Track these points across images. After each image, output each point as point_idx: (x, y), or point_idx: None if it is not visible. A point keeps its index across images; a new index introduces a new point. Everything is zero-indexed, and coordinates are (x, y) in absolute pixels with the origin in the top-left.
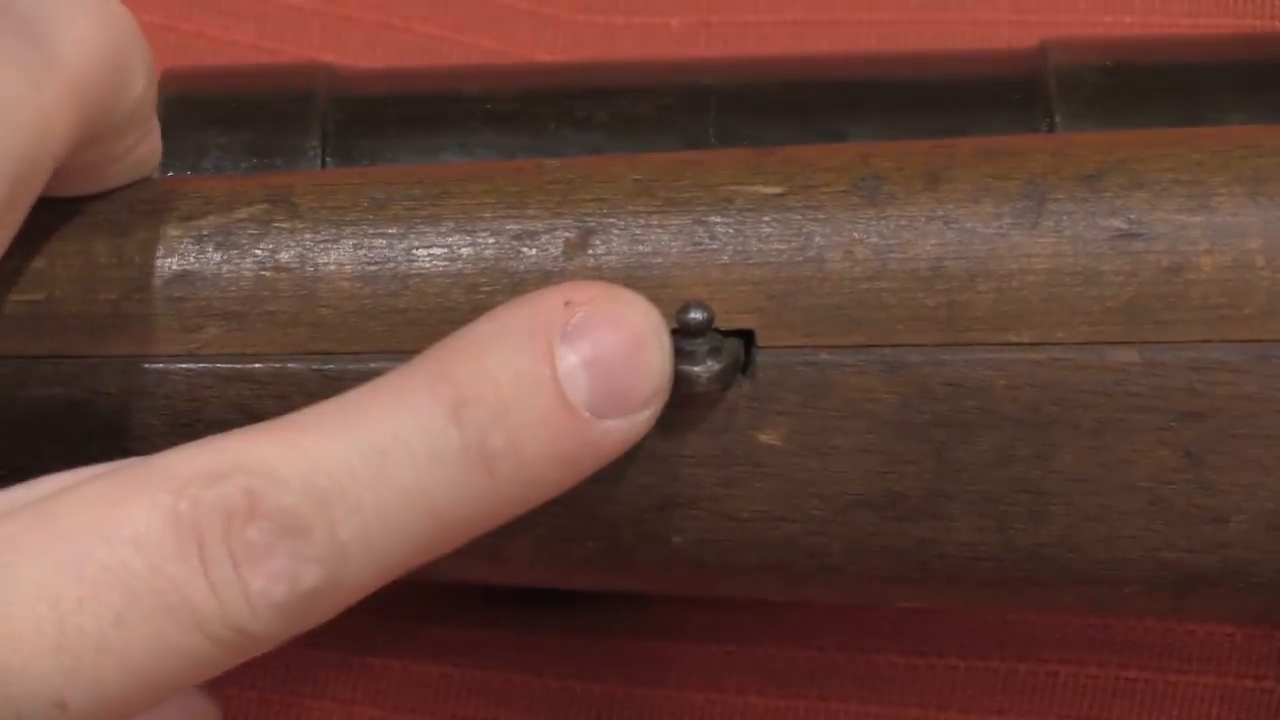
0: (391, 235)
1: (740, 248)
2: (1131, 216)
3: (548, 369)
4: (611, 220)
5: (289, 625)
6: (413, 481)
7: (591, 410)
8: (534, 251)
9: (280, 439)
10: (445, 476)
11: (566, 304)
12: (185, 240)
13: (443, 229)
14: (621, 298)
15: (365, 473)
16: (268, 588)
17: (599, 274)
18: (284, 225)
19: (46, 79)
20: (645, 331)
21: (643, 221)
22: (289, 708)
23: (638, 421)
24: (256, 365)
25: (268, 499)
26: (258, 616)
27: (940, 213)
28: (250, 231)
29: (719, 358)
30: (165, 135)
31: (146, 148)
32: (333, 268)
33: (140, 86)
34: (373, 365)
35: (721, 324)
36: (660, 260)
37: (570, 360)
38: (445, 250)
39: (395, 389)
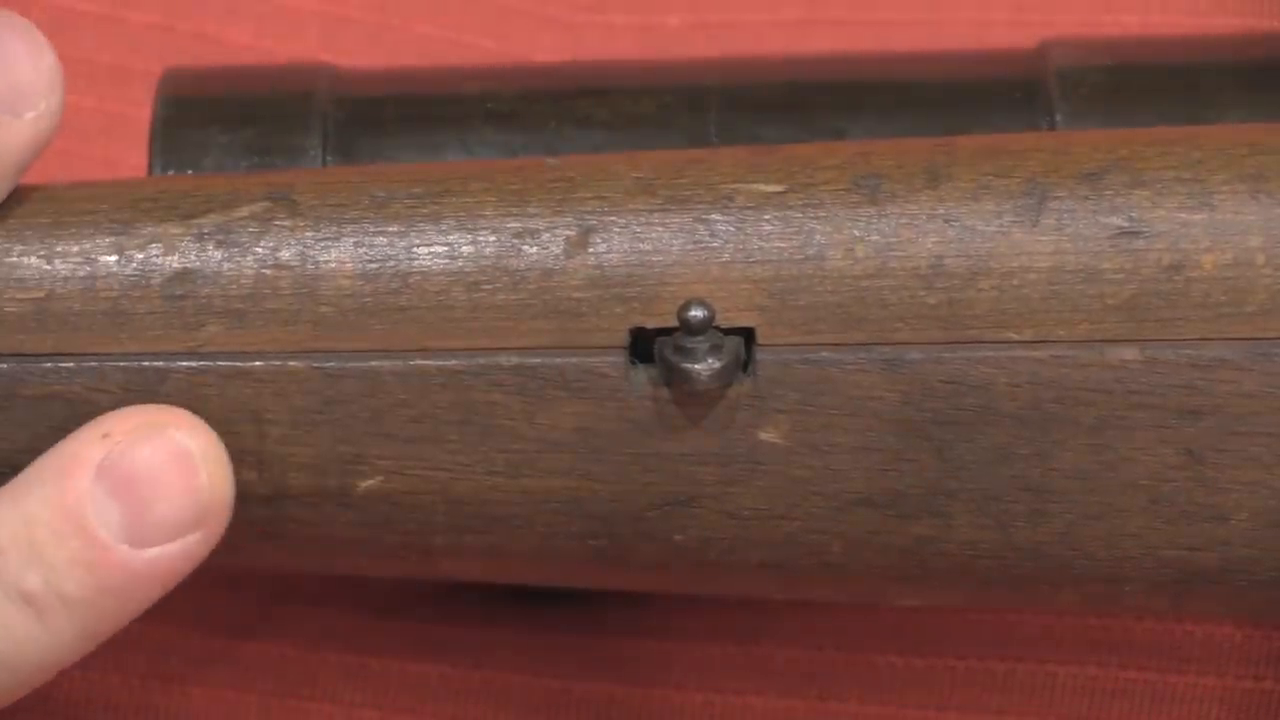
0: (392, 233)
1: (741, 246)
2: (1132, 214)
3: (78, 506)
4: (612, 218)
5: None
6: None
7: (130, 541)
8: (535, 249)
9: None
10: None
11: (104, 436)
12: (186, 238)
13: (443, 227)
14: (162, 424)
15: None
16: None
17: (600, 272)
18: (285, 223)
19: None
20: (187, 456)
21: (643, 219)
22: (289, 710)
23: (190, 544)
24: (257, 363)
25: None
26: None
27: (941, 211)
28: (251, 229)
29: (719, 355)
30: (166, 135)
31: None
32: (333, 265)
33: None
34: (373, 363)
35: (722, 322)
36: (661, 258)
37: (100, 494)
38: (446, 248)
39: None
